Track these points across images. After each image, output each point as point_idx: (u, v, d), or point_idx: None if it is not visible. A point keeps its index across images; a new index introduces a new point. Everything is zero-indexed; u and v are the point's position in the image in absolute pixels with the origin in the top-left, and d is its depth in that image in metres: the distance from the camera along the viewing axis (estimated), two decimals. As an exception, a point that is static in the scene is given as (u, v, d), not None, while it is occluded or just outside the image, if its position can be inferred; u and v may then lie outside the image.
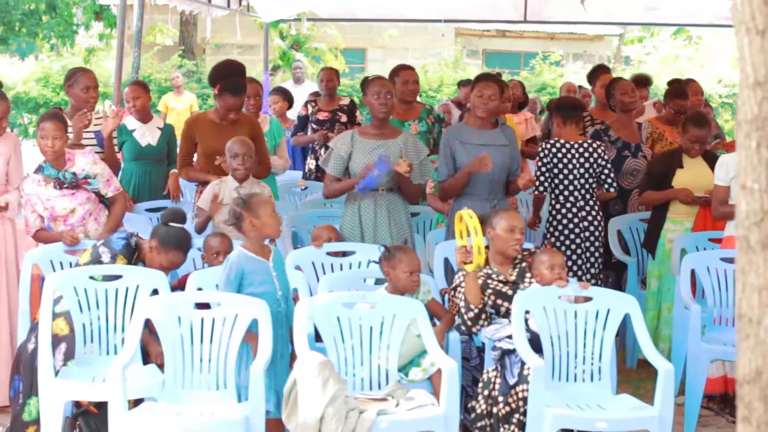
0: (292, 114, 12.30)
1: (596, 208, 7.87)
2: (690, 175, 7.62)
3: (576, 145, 7.86)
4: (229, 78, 7.71)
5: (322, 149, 10.51)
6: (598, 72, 10.27)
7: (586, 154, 7.84)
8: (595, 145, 7.91)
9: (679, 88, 9.48)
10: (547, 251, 6.13)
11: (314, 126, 10.69)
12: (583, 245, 7.74)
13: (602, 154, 7.89)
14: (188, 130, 7.81)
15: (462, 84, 14.11)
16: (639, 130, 8.79)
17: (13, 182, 6.92)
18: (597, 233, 7.83)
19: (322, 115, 10.65)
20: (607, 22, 22.12)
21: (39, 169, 6.73)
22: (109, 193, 6.85)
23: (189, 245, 6.21)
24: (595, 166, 7.83)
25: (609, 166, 7.90)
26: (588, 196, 7.82)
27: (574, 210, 7.78)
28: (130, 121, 8.94)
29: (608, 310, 5.78)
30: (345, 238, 7.07)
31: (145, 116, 9.05)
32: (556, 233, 7.77)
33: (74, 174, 6.70)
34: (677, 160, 7.77)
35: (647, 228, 8.05)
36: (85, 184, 6.72)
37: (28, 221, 6.78)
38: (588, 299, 5.82)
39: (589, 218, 7.81)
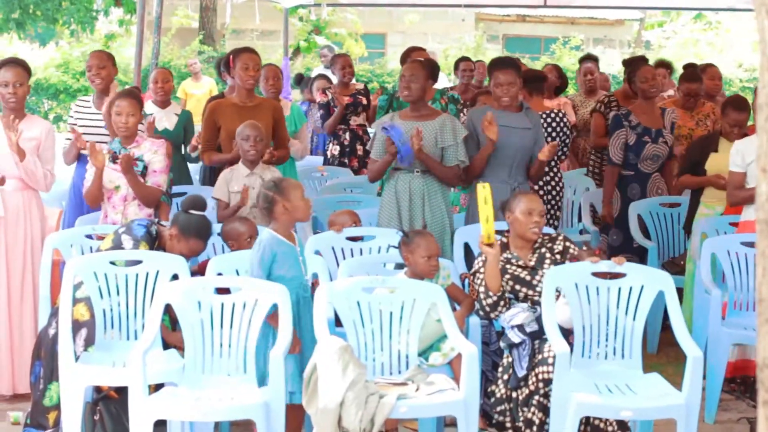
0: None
1: (558, 175, 8.36)
2: (723, 159, 7.46)
3: (543, 115, 8.29)
4: (242, 51, 7.89)
5: (346, 134, 10.55)
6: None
7: (554, 124, 8.34)
8: (561, 114, 8.46)
9: (691, 72, 9.53)
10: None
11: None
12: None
13: (567, 123, 8.52)
14: (210, 115, 7.84)
15: (460, 60, 12.60)
16: (662, 116, 8.72)
17: (43, 165, 6.94)
18: (556, 200, 8.26)
19: (344, 101, 10.64)
20: (628, 7, 22.07)
21: (111, 141, 6.95)
22: (149, 183, 6.85)
23: (209, 233, 6.21)
24: (561, 135, 8.37)
25: (569, 132, 8.62)
26: (552, 163, 8.19)
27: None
28: (149, 106, 9.00)
29: (642, 287, 5.72)
30: (383, 223, 7.08)
31: (166, 101, 9.16)
32: None
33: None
34: (713, 144, 7.77)
35: (687, 211, 8.06)
36: (133, 164, 6.77)
37: (88, 180, 6.91)
38: (621, 275, 5.76)
39: (552, 183, 8.28)
